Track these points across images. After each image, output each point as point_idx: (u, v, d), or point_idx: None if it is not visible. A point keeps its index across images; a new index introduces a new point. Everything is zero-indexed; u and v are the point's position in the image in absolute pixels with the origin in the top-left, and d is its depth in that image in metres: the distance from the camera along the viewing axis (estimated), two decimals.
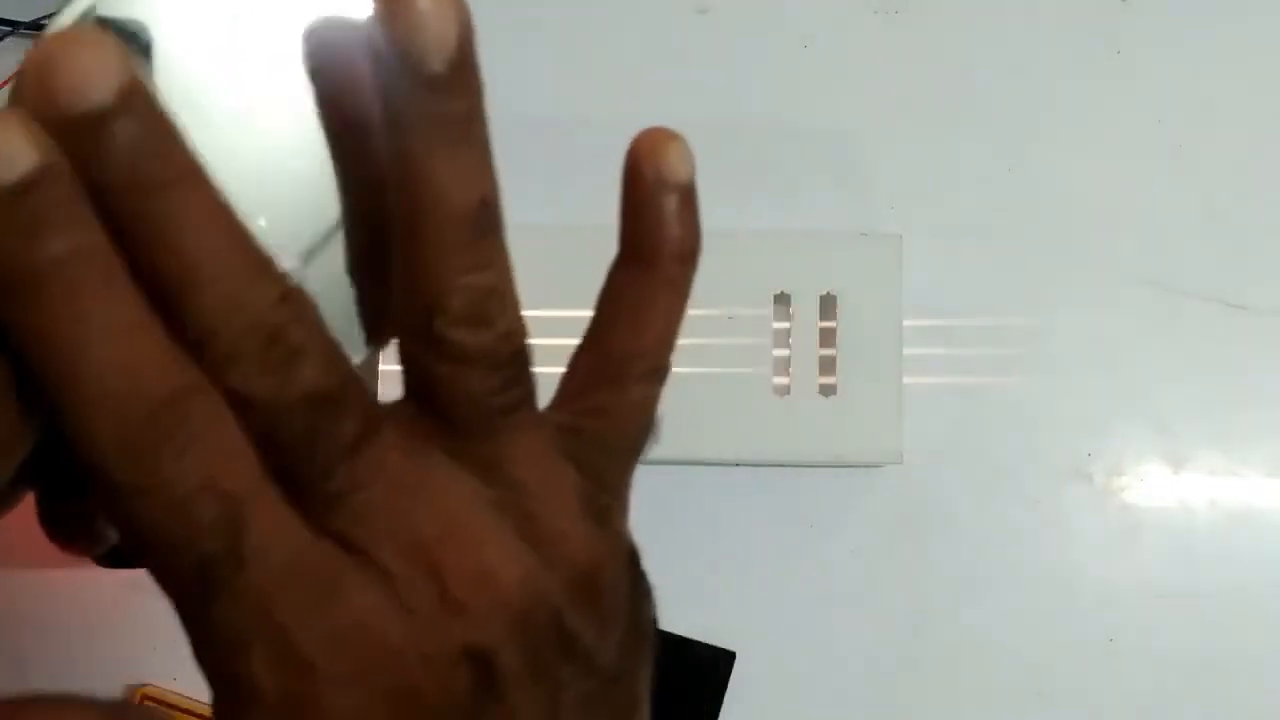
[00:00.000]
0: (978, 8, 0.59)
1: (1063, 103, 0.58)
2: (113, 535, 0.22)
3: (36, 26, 0.56)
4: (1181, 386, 0.55)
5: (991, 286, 0.55)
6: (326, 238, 0.22)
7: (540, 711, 0.21)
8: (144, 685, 0.52)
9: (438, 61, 0.20)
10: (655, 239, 0.23)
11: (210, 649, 0.20)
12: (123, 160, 0.18)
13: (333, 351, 0.20)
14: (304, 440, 0.20)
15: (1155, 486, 0.54)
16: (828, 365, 0.49)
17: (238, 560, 0.19)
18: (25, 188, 0.17)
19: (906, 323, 0.51)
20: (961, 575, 0.54)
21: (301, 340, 0.20)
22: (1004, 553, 0.54)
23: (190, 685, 0.52)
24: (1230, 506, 0.55)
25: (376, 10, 0.20)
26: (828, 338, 0.49)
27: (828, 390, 0.49)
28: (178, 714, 0.52)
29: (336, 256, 0.22)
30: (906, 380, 0.51)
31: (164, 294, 0.19)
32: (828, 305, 0.50)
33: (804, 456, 0.50)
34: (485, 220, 0.21)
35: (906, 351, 0.51)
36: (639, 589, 0.24)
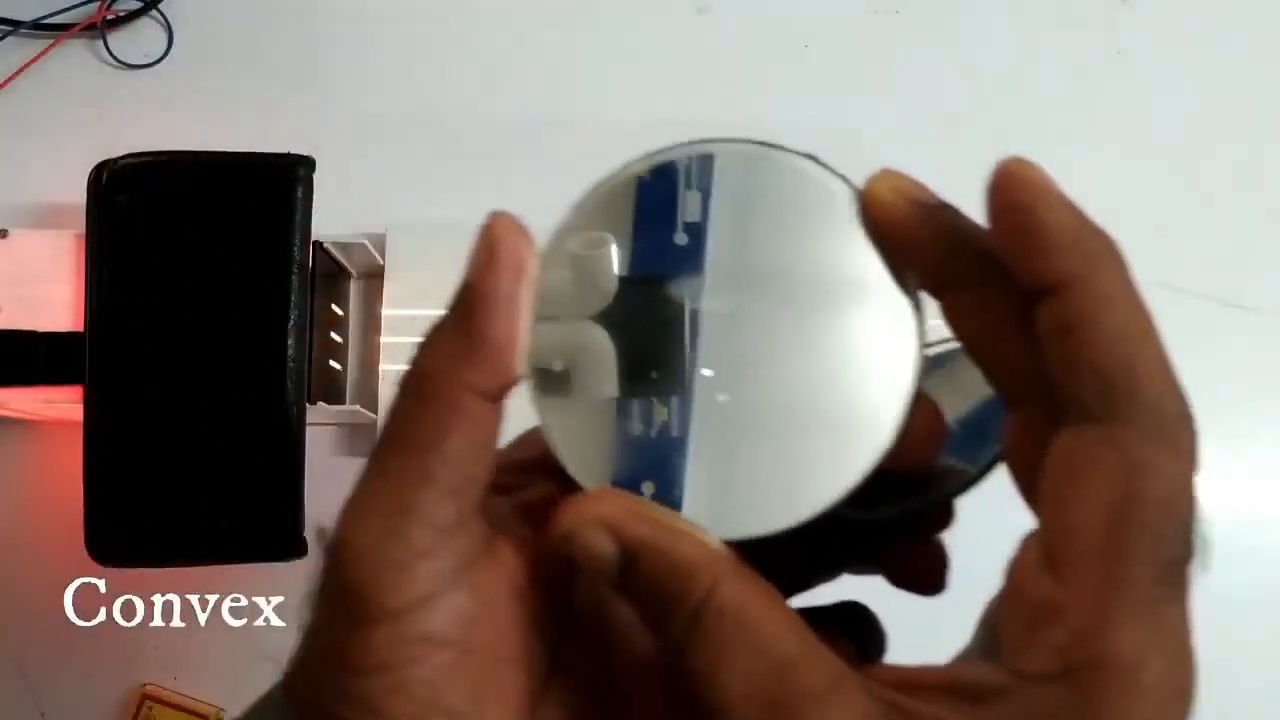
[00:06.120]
0: (978, 7, 0.59)
1: (1063, 103, 0.58)
2: None
3: (37, 26, 0.56)
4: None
5: None
6: None
7: None
8: (144, 685, 0.52)
9: None
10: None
11: None
12: None
13: None
14: None
15: None
16: None
17: None
18: None
19: None
20: (961, 575, 0.53)
21: None
22: (1004, 553, 0.53)
23: (190, 685, 0.52)
24: (1230, 507, 0.55)
25: None
26: None
27: None
28: (178, 714, 0.52)
29: None
30: None
31: None
32: None
33: None
34: None
35: None
36: None
